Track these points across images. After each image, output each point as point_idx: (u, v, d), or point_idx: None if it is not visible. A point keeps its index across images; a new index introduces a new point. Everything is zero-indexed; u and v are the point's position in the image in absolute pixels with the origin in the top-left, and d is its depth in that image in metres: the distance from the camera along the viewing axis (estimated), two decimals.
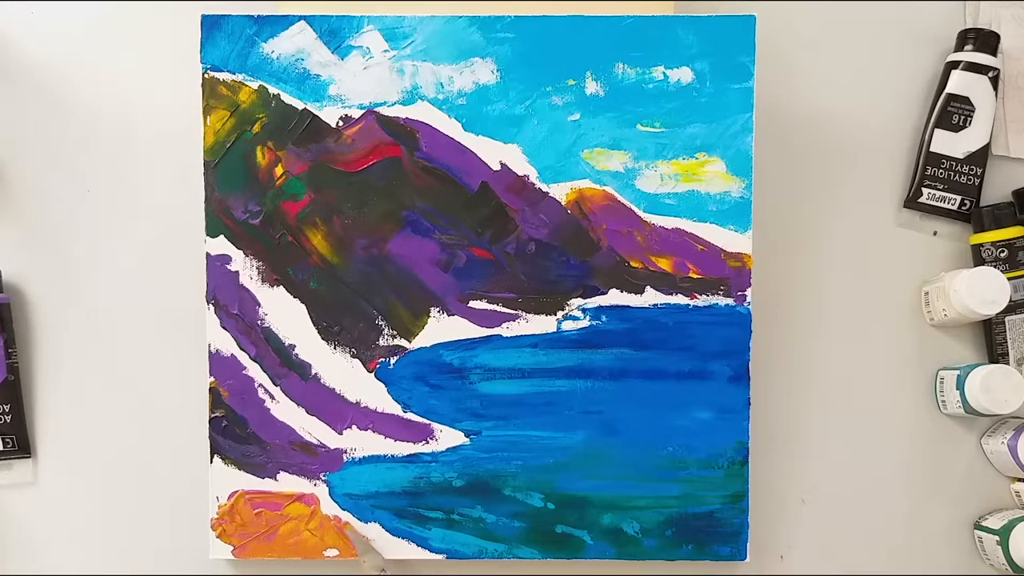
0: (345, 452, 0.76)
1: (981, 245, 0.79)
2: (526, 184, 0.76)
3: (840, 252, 0.81)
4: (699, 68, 0.75)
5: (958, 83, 0.79)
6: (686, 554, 0.77)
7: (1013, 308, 0.78)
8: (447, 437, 0.76)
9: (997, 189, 0.81)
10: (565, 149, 0.76)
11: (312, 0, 0.77)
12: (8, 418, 0.78)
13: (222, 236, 0.76)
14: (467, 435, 0.76)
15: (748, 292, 0.76)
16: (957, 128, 0.80)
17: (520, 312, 0.76)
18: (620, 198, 0.76)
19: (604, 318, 0.76)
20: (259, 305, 0.76)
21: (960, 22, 0.81)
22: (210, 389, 0.76)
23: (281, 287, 0.76)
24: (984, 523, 0.79)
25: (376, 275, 0.76)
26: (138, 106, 0.80)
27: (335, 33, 0.76)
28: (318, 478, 0.76)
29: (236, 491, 0.76)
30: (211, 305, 0.76)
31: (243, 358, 0.76)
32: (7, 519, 0.79)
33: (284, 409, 0.76)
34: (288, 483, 0.76)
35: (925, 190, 0.80)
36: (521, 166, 0.76)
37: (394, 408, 0.76)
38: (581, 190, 0.76)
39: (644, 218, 0.76)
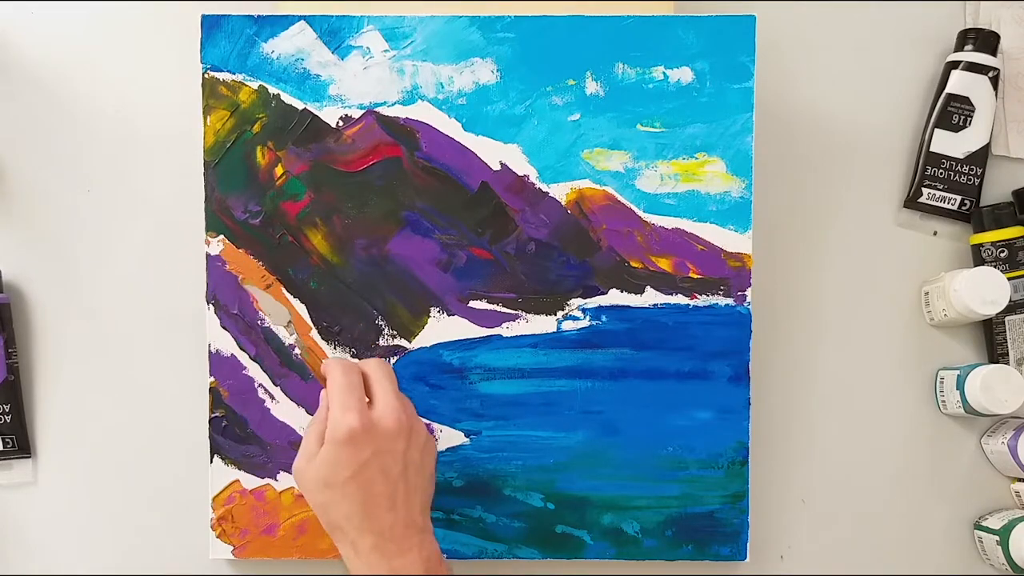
0: None
1: (981, 245, 0.79)
2: (526, 184, 0.76)
3: (840, 252, 0.81)
4: (699, 68, 0.75)
5: (958, 83, 0.79)
6: (686, 554, 0.77)
7: (1013, 308, 0.78)
8: (447, 437, 0.76)
9: (997, 189, 0.81)
10: (565, 149, 0.76)
11: (312, 0, 0.77)
12: (8, 418, 0.78)
13: (222, 236, 0.76)
14: (467, 435, 0.76)
15: (748, 292, 0.76)
16: (957, 128, 0.80)
17: (520, 312, 0.76)
18: (620, 198, 0.76)
19: (604, 318, 0.76)
20: None
21: (960, 22, 0.81)
22: (210, 389, 0.76)
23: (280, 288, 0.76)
24: (984, 523, 0.79)
25: (376, 275, 0.76)
26: (138, 106, 0.80)
27: (335, 33, 0.76)
28: None
29: (236, 491, 0.76)
30: (211, 305, 0.76)
31: (243, 358, 0.76)
32: (7, 519, 0.79)
33: (284, 409, 0.76)
34: (288, 483, 0.76)
35: (925, 190, 0.80)
36: (521, 166, 0.76)
37: None
38: (581, 190, 0.76)
39: (644, 218, 0.76)
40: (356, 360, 0.72)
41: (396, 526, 0.66)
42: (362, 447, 0.65)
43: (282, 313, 0.75)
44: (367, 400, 0.67)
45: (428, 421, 0.76)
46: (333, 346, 0.76)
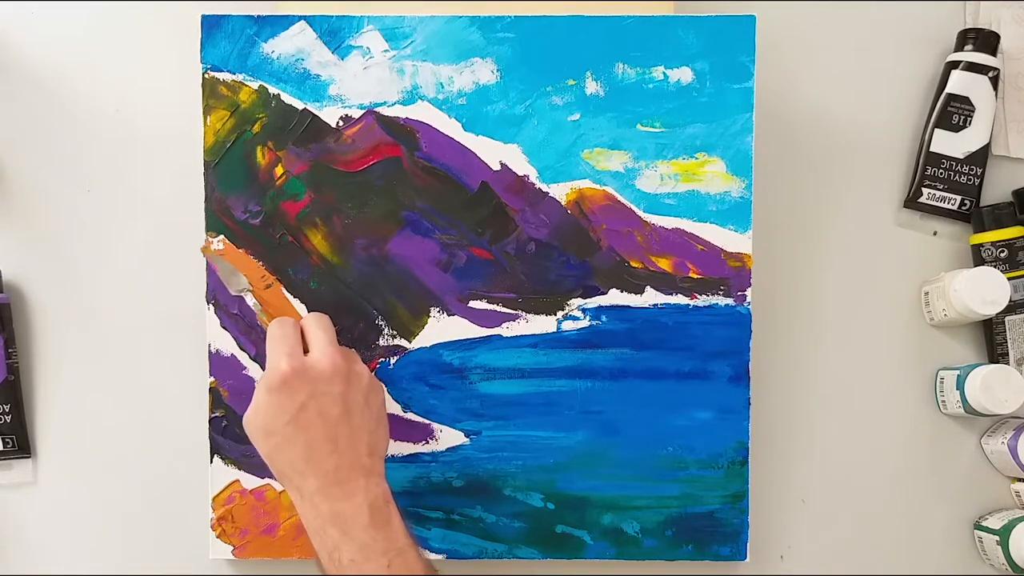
0: None
1: (981, 245, 0.79)
2: (526, 184, 0.76)
3: (840, 252, 0.81)
4: (699, 68, 0.75)
5: (958, 83, 0.79)
6: (686, 554, 0.77)
7: (1013, 308, 0.78)
8: (447, 437, 0.76)
9: (997, 189, 0.81)
10: (565, 149, 0.76)
11: (312, 0, 0.77)
12: (8, 418, 0.78)
13: (222, 236, 0.76)
14: (467, 435, 0.76)
15: (748, 292, 0.76)
16: (957, 128, 0.80)
17: (520, 312, 0.76)
18: (620, 198, 0.76)
19: (604, 318, 0.76)
20: None
21: (960, 22, 0.81)
22: (210, 389, 0.76)
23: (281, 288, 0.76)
24: (984, 523, 0.79)
25: (376, 275, 0.76)
26: (138, 106, 0.80)
27: (335, 33, 0.76)
28: None
29: (236, 491, 0.76)
30: (211, 305, 0.76)
31: (243, 358, 0.76)
32: (7, 519, 0.79)
33: None
34: None
35: (925, 190, 0.80)
36: (521, 166, 0.76)
37: (394, 408, 0.76)
38: (581, 190, 0.76)
39: (644, 218, 0.76)
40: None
41: (340, 468, 0.66)
42: (296, 391, 0.66)
43: (239, 279, 0.75)
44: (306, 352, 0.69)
45: (428, 421, 0.76)
46: None
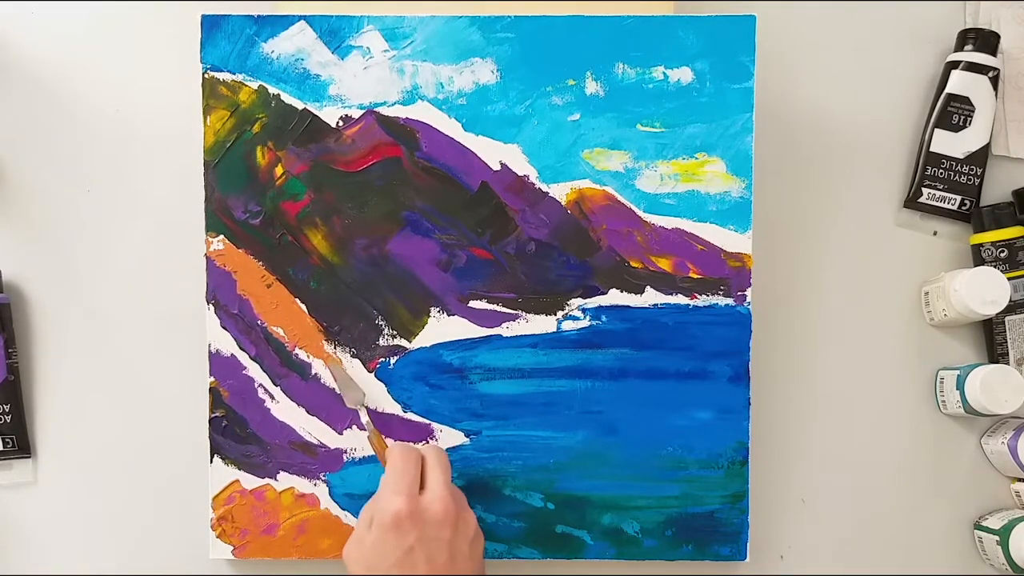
0: (345, 452, 0.76)
1: (981, 245, 0.79)
2: (526, 184, 0.76)
3: (840, 252, 0.81)
4: (699, 68, 0.75)
5: (958, 83, 0.79)
6: (686, 554, 0.77)
7: (1013, 308, 0.78)
8: (447, 437, 0.76)
9: (997, 189, 0.81)
10: (565, 149, 0.76)
11: (312, 0, 0.77)
12: (8, 418, 0.78)
13: (222, 236, 0.76)
14: (467, 435, 0.76)
15: (748, 292, 0.76)
16: (957, 128, 0.80)
17: (520, 312, 0.76)
18: (620, 198, 0.76)
19: (604, 318, 0.76)
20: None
21: (960, 22, 0.81)
22: (210, 389, 0.76)
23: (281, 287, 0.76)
24: (984, 523, 0.79)
25: (376, 275, 0.76)
26: (138, 106, 0.80)
27: (335, 33, 0.76)
28: (318, 478, 0.76)
29: (236, 491, 0.76)
30: (211, 305, 0.76)
31: (243, 358, 0.76)
32: (7, 519, 0.79)
33: (284, 409, 0.76)
34: (288, 483, 0.76)
35: (925, 190, 0.80)
36: (521, 166, 0.76)
37: (394, 408, 0.76)
38: (581, 190, 0.76)
39: (644, 218, 0.76)
40: (416, 445, 0.72)
41: None
42: (407, 533, 0.65)
43: (357, 392, 0.75)
44: (420, 487, 0.67)
45: (428, 421, 0.76)
46: (333, 346, 0.76)
